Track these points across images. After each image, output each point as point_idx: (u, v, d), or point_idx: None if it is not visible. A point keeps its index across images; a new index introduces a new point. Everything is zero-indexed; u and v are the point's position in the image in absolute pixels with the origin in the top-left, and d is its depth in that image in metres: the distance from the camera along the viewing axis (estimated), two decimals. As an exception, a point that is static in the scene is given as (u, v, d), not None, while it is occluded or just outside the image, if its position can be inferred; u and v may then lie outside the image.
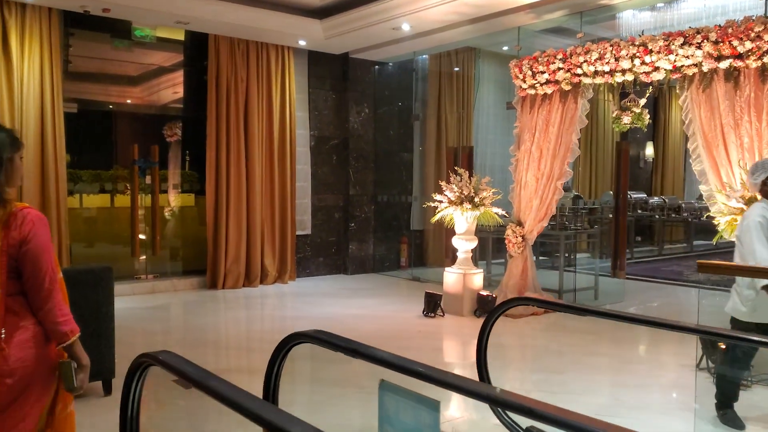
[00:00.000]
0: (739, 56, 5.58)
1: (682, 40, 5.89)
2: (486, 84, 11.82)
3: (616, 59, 6.37)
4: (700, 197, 15.63)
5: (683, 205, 14.26)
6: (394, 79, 10.55)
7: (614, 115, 6.53)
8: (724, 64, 5.68)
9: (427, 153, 10.85)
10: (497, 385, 2.36)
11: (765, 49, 5.36)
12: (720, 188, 5.75)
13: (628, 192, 11.19)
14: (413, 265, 10.36)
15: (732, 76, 5.69)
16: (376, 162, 10.31)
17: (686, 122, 6.06)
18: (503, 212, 7.21)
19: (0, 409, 2.22)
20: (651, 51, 6.10)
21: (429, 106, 10.84)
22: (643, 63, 6.21)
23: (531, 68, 7.13)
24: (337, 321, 6.80)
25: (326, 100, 9.89)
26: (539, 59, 7.06)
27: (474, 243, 7.18)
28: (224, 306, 7.82)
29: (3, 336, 2.20)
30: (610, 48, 6.43)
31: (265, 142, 9.03)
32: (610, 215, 11.91)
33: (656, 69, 6.17)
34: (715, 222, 5.60)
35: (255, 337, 6.39)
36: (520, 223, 7.35)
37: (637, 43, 6.23)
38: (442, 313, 7.00)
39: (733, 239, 4.51)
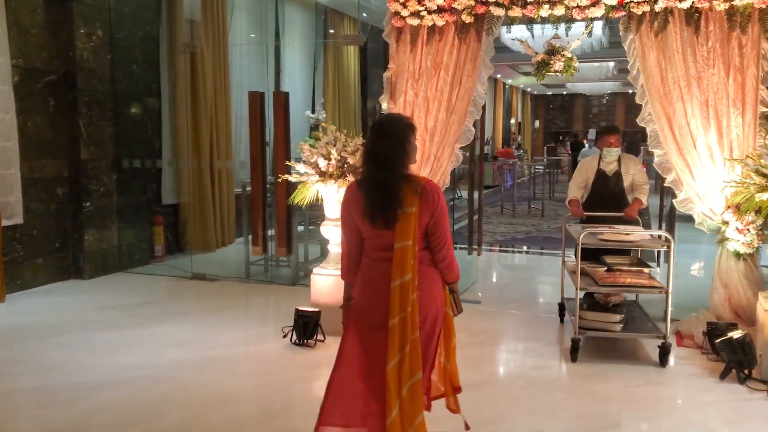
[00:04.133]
0: (705, -6, 4.66)
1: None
2: (239, 12, 9.28)
3: (545, -16, 4.91)
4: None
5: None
6: (132, -10, 7.28)
7: (539, 59, 5.06)
8: (685, 4, 4.70)
9: (178, 98, 7.93)
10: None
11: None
12: (678, 151, 4.87)
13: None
14: (174, 252, 7.51)
15: (693, 18, 4.76)
16: (117, 111, 7.04)
17: (633, 72, 4.98)
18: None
19: (424, 346, 2.64)
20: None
21: (179, 33, 7.87)
22: (581, -7, 4.87)
23: (416, -12, 5.19)
24: (152, 392, 4.05)
25: (35, 12, 6.24)
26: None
27: (354, 232, 5.07)
28: None
29: (417, 283, 2.58)
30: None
31: (-62, 74, 5.18)
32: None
33: (596, 3, 4.90)
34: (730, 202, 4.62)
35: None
36: (397, 200, 5.48)
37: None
38: (322, 338, 4.79)
39: None
